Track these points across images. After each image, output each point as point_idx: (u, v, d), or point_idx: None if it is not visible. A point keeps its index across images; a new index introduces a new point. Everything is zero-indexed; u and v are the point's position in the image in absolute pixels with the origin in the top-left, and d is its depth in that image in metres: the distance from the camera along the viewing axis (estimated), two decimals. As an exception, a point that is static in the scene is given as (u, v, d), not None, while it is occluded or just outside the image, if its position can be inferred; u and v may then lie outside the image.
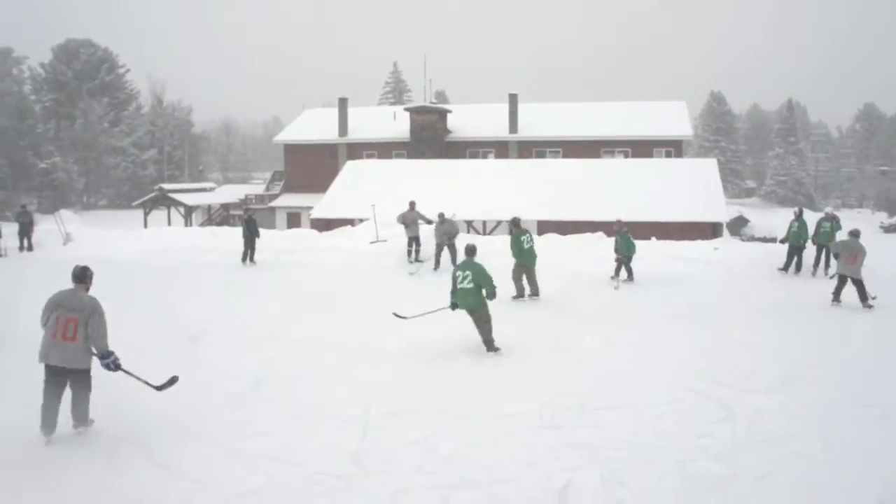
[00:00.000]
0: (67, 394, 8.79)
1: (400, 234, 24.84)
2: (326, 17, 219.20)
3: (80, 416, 8.90)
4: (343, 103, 56.45)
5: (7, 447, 8.42)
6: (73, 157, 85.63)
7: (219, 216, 59.62)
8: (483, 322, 12.66)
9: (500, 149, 52.39)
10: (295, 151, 57.46)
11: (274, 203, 55.07)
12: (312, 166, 54.03)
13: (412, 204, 24.47)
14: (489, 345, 12.63)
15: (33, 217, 31.38)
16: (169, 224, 53.43)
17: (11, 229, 29.87)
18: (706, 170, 37.12)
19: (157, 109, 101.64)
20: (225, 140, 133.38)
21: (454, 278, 12.91)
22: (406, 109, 55.82)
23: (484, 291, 12.61)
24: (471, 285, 12.59)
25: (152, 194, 60.16)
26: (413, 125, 53.03)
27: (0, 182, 73.11)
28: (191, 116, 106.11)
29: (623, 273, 20.52)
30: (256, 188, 67.21)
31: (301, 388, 10.76)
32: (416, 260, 23.90)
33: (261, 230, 25.20)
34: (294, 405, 9.97)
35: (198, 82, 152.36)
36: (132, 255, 25.67)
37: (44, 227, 31.33)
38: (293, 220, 50.50)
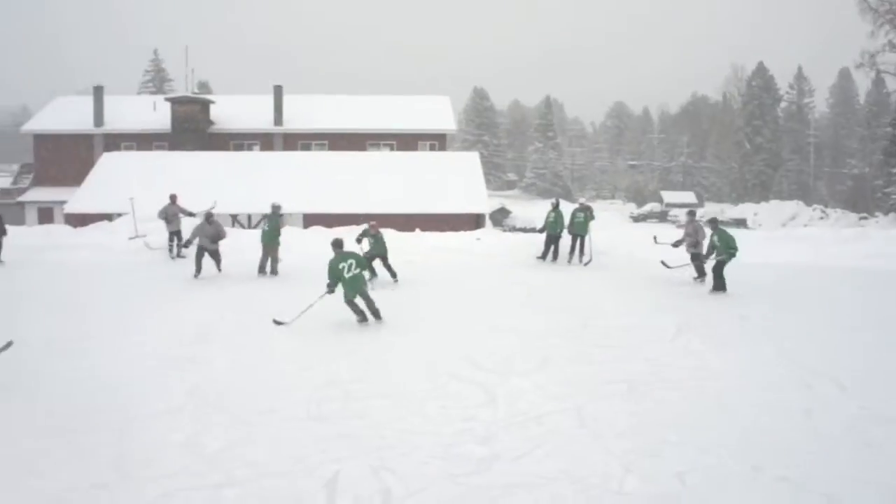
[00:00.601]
0: None
1: (161, 230, 24.09)
2: (80, 4, 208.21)
3: None
4: (99, 91, 53.75)
5: None
6: None
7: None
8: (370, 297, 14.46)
9: (266, 141, 51.73)
10: (46, 142, 54.15)
11: (22, 197, 51.77)
12: (66, 158, 51.18)
13: (173, 197, 23.81)
14: (377, 313, 14.42)
15: None
16: None
17: None
18: (469, 163, 38.31)
19: None
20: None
21: (336, 270, 14.17)
22: (167, 99, 53.94)
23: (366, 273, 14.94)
24: (358, 271, 14.28)
25: None
26: (175, 116, 51.34)
27: None
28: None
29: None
30: (2, 181, 63.01)
31: (38, 397, 10.22)
32: (179, 255, 23.31)
33: (7, 227, 23.63)
34: (35, 415, 9.45)
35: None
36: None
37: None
38: (45, 215, 47.67)
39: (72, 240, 25.50)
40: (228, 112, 53.18)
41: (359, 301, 14.44)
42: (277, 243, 20.76)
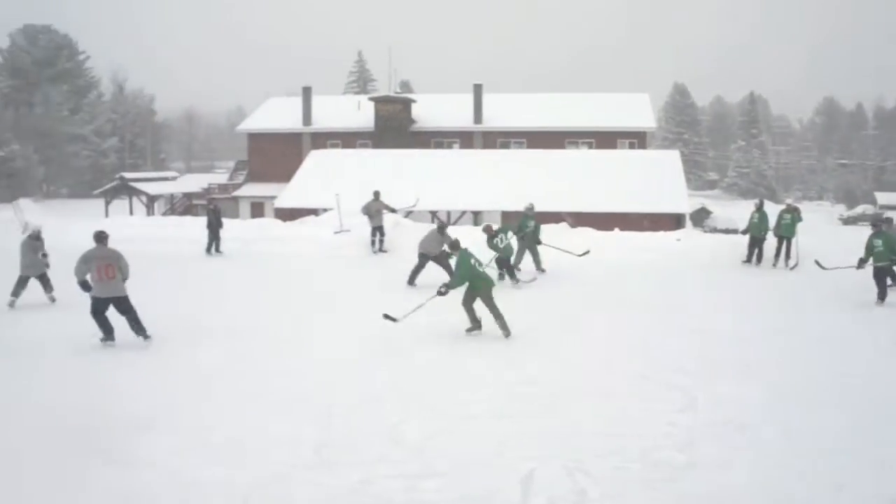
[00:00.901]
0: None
1: (364, 224, 24.73)
2: (291, 6, 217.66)
3: (138, 329, 12.38)
4: (307, 92, 56.18)
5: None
6: (32, 145, 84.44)
7: (182, 205, 59.16)
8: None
9: (465, 139, 52.46)
10: (258, 140, 57.09)
11: (237, 193, 54.73)
12: (276, 156, 53.68)
13: (376, 194, 24.38)
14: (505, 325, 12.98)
15: (-10, 205, 31.10)
16: (131, 213, 52.97)
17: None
18: (669, 161, 37.44)
19: (118, 97, 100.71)
20: (188, 129, 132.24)
21: (469, 264, 12.91)
22: (371, 99, 55.72)
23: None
24: (483, 270, 13.22)
25: (114, 183, 59.52)
26: (378, 115, 52.93)
27: (-44, 170, 71.92)
28: (153, 104, 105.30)
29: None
30: (220, 177, 66.74)
31: (266, 378, 10.72)
32: (381, 250, 23.88)
33: (224, 220, 24.97)
34: (259, 396, 9.91)
35: (160, 70, 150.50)
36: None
37: (1, 215, 30.99)
38: (257, 209, 50.20)
39: (281, 233, 26.61)
40: (429, 111, 54.23)
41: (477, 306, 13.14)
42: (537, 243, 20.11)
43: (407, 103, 54.09)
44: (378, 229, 24.10)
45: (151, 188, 57.73)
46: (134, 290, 12.56)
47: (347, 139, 53.15)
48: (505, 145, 51.02)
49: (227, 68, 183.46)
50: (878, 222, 17.38)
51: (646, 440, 8.36)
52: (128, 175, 61.71)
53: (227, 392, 10.14)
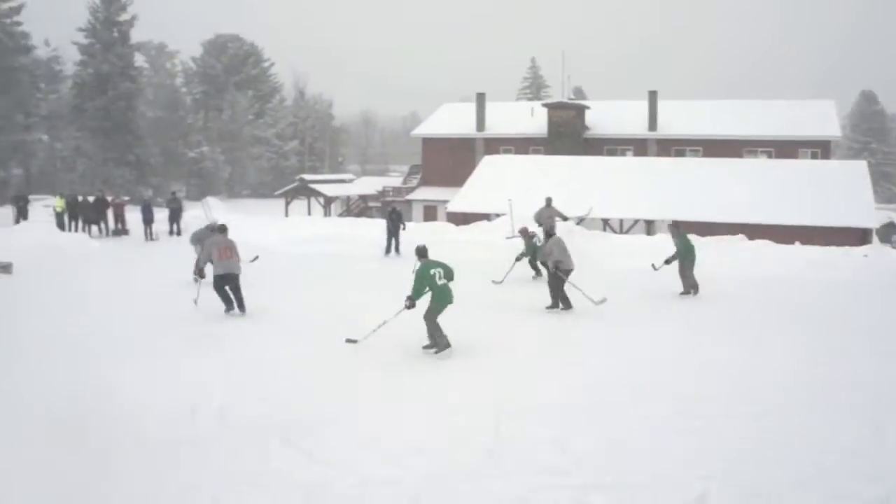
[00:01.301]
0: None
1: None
2: (464, 13, 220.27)
3: (241, 304, 15.41)
4: (481, 98, 56.82)
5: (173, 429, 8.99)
6: (219, 147, 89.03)
7: (357, 207, 60.91)
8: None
9: (639, 146, 51.81)
10: (432, 145, 58.14)
11: (411, 196, 55.89)
12: (449, 160, 54.53)
13: (548, 200, 24.50)
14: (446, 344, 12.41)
15: (182, 203, 33.03)
16: (309, 214, 54.97)
17: (163, 214, 31.51)
18: (855, 172, 35.79)
19: (299, 102, 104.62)
20: (364, 133, 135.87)
21: (428, 276, 12.46)
22: (544, 105, 55.75)
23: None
24: (445, 282, 12.59)
25: (293, 184, 61.84)
26: (551, 121, 52.94)
27: (153, 169, 76.57)
28: (331, 109, 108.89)
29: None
30: (394, 181, 68.36)
31: (436, 380, 10.99)
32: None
33: (405, 223, 25.75)
34: (429, 396, 10.19)
35: (339, 76, 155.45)
36: (274, 242, 26.45)
37: (191, 212, 32.86)
38: (429, 213, 51.16)
39: (454, 236, 27.10)
40: (603, 117, 53.80)
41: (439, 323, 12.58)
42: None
43: (580, 109, 53.88)
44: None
45: (329, 190, 59.66)
46: (316, 289, 13.12)
47: (520, 145, 53.41)
48: (680, 153, 50.05)
49: (402, 74, 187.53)
50: None
51: (825, 467, 7.99)
52: (307, 177, 64.00)
53: (404, 391, 10.47)
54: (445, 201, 43.33)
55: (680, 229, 18.66)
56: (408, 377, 11.13)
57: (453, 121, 58.36)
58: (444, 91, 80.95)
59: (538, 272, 20.05)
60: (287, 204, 59.33)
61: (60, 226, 30.72)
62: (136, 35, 78.52)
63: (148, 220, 30.38)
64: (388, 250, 25.07)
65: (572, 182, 34.39)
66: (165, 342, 13.26)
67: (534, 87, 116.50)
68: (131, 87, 74.34)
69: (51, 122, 78.28)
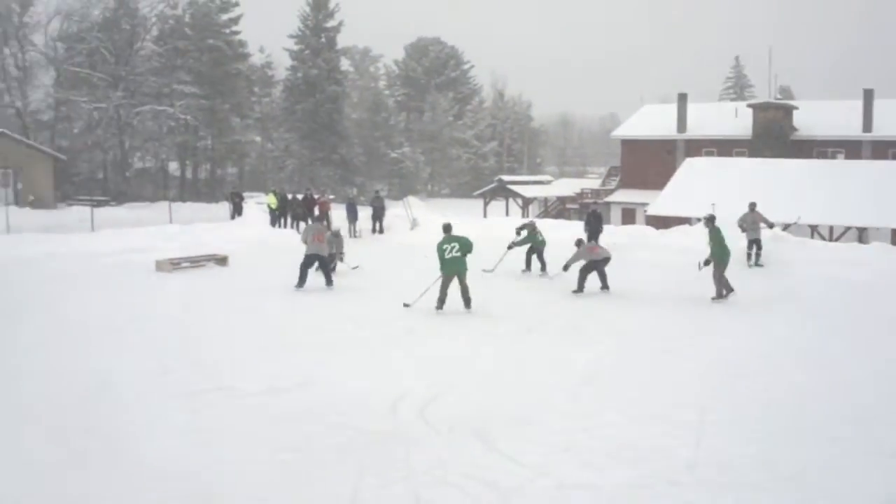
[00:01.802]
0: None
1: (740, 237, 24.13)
2: (665, 12, 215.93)
3: (328, 281, 19.02)
4: (682, 98, 55.61)
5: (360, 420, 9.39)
6: (420, 148, 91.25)
7: (555, 209, 60.87)
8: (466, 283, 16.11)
9: (852, 149, 49.13)
10: (631, 147, 57.42)
11: (609, 198, 55.39)
12: (649, 162, 53.71)
13: (752, 205, 23.73)
14: (469, 302, 16.01)
15: (385, 202, 34.10)
16: (507, 214, 55.32)
17: (366, 213, 32.66)
18: None
19: (498, 104, 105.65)
20: (562, 134, 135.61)
21: (440, 250, 16.01)
22: (749, 105, 53.93)
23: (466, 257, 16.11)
24: (458, 254, 15.95)
25: (492, 185, 62.41)
26: (756, 122, 51.16)
27: (357, 169, 79.32)
28: (530, 110, 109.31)
29: None
30: (592, 182, 67.87)
31: (631, 386, 10.83)
32: (756, 264, 23.16)
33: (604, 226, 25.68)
34: (624, 402, 10.06)
35: (537, 77, 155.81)
36: (476, 241, 26.73)
37: (393, 211, 33.86)
38: (628, 215, 50.54)
39: (653, 241, 26.68)
40: (812, 117, 51.48)
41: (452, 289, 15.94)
42: None
43: (788, 110, 51.81)
44: (755, 242, 23.40)
45: (527, 191, 59.87)
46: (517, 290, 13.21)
47: (723, 147, 51.89)
48: (898, 156, 47.24)
49: (601, 75, 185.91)
50: None
51: None
52: (505, 178, 64.48)
53: (602, 395, 10.38)
54: (645, 204, 42.72)
55: (714, 225, 17.94)
56: (606, 381, 11.06)
57: (654, 122, 57.44)
58: (645, 92, 79.83)
59: (529, 266, 21.92)
60: (485, 204, 59.97)
61: (272, 222, 32.40)
62: (342, 40, 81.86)
63: (352, 218, 31.62)
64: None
65: (778, 186, 33.15)
66: (366, 335, 13.81)
67: (737, 87, 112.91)
68: (337, 90, 77.40)
69: (263, 124, 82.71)
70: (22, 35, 66.36)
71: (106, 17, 67.11)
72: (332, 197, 39.63)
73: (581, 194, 59.40)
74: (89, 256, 23.26)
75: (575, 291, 18.34)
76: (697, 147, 52.59)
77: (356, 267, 21.65)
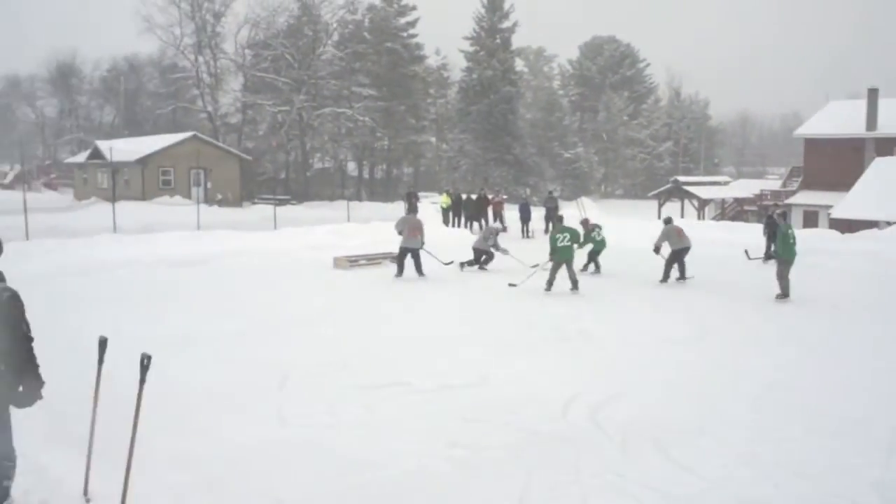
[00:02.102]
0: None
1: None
2: (850, 7, 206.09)
3: (419, 270, 20.34)
4: (873, 94, 52.78)
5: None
6: (594, 148, 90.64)
7: (732, 210, 59.19)
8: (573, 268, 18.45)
9: None
10: (815, 146, 54.99)
11: (790, 200, 53.30)
12: (834, 162, 51.30)
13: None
14: (576, 284, 18.21)
15: (558, 202, 34.05)
16: (682, 216, 54.12)
17: (539, 213, 32.72)
18: None
19: (674, 102, 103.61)
20: (741, 133, 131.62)
21: (554, 239, 18.25)
22: (948, 101, 50.81)
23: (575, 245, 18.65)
24: (569, 243, 18.20)
25: (667, 186, 61.30)
26: (955, 119, 48.20)
27: (530, 169, 79.50)
28: (707, 109, 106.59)
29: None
30: (772, 183, 65.61)
31: (815, 399, 10.41)
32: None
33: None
34: (807, 416, 9.67)
35: (716, 75, 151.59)
36: (645, 243, 26.44)
37: (567, 212, 33.75)
38: (810, 219, 48.45)
39: (838, 245, 25.52)
40: None
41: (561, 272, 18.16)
42: None
43: None
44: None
45: (703, 192, 58.46)
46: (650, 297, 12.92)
47: (918, 146, 49.06)
48: None
49: (783, 72, 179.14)
50: None
51: None
52: (681, 178, 63.15)
53: (784, 404, 10.09)
54: (828, 206, 40.94)
55: (787, 220, 17.68)
56: (788, 392, 10.71)
57: (840, 119, 54.75)
58: (830, 88, 76.32)
59: (589, 265, 21.92)
60: (660, 206, 58.92)
61: (445, 221, 32.92)
62: (517, 41, 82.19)
63: (525, 218, 31.74)
64: (766, 256, 24.12)
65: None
66: (536, 337, 13.87)
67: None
68: (512, 90, 77.77)
69: (438, 125, 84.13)
70: (214, 44, 70.25)
71: (290, 24, 70.06)
72: (505, 197, 39.91)
73: (760, 196, 57.45)
74: (273, 254, 24.31)
75: (661, 280, 19.88)
76: (889, 145, 49.71)
77: (450, 262, 22.49)
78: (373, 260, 23.16)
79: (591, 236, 21.60)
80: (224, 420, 9.26)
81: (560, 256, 18.06)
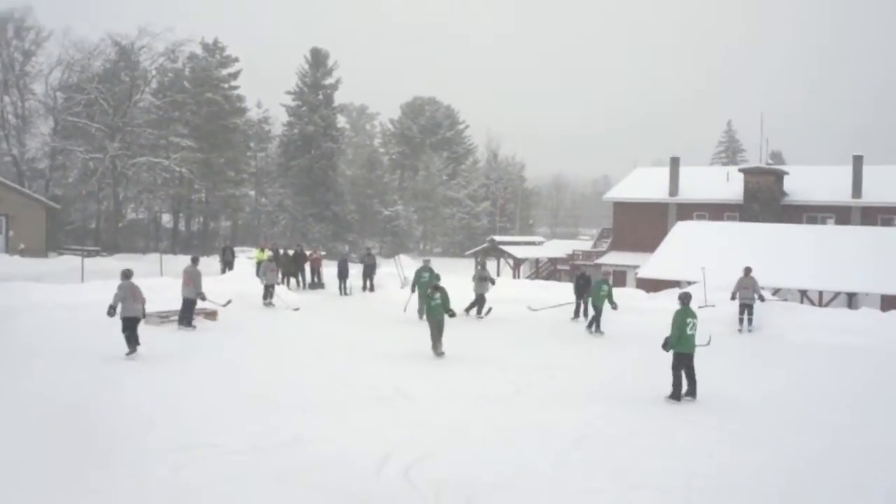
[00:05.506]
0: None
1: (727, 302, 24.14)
2: (658, 77, 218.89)
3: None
4: (674, 163, 56.10)
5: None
6: (413, 206, 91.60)
7: (546, 270, 60.97)
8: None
9: (841, 214, 49.51)
10: (624, 209, 57.71)
11: (600, 260, 55.48)
12: (640, 225, 53.95)
13: (747, 270, 23.78)
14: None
15: (376, 260, 34.08)
16: (498, 274, 55.33)
17: (357, 270, 32.63)
18: None
19: (492, 164, 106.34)
20: (555, 195, 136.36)
21: (685, 325, 14.00)
22: (740, 170, 54.43)
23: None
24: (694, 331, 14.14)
25: (484, 245, 62.66)
26: (747, 187, 51.63)
27: (350, 226, 79.55)
28: (523, 171, 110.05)
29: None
30: (583, 244, 68.11)
31: (623, 453, 10.80)
32: (748, 329, 23.18)
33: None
34: (612, 471, 10.01)
35: (531, 139, 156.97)
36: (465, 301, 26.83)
37: (385, 269, 33.84)
38: (619, 278, 50.46)
39: (643, 304, 26.61)
40: (802, 183, 51.97)
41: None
42: None
43: (779, 175, 52.28)
44: (746, 307, 23.40)
45: (518, 251, 60.06)
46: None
47: (714, 211, 52.21)
48: (887, 222, 47.43)
49: (595, 139, 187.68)
50: None
51: None
52: (497, 238, 64.71)
53: (595, 461, 10.36)
54: (636, 266, 42.76)
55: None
56: (603, 450, 11.00)
57: (646, 185, 57.80)
58: (638, 155, 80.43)
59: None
60: (477, 264, 59.98)
61: (257, 274, 32.27)
62: (340, 98, 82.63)
63: (343, 274, 31.55)
64: (576, 314, 25.05)
65: (769, 250, 33.21)
66: (351, 394, 13.75)
67: (729, 151, 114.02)
68: (333, 146, 77.99)
69: (258, 179, 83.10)
70: (23, 84, 66.98)
71: (106, 69, 67.71)
72: (323, 253, 39.66)
73: (573, 256, 59.53)
74: (79, 307, 23.02)
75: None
76: (689, 210, 52.91)
77: (297, 309, 24.28)
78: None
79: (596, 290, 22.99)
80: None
81: (684, 347, 13.98)
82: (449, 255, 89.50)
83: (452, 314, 18.59)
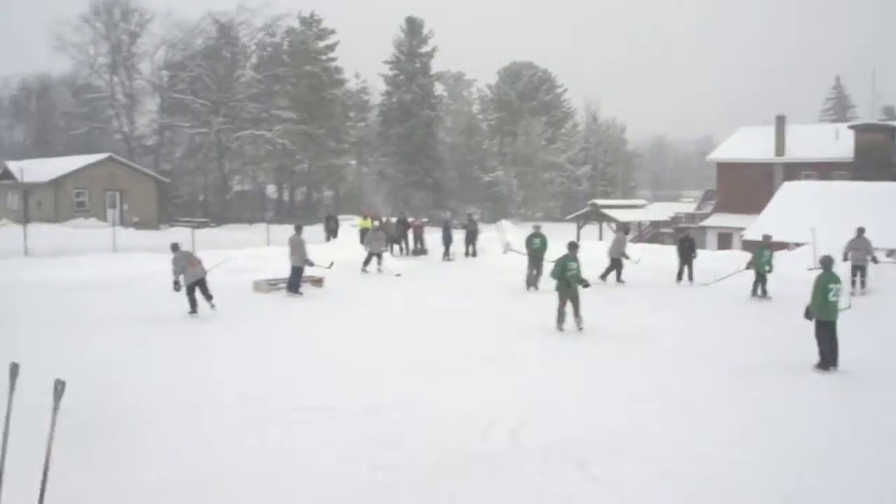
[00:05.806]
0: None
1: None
2: (762, 34, 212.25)
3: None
4: (780, 121, 54.53)
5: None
6: (513, 172, 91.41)
7: (649, 233, 60.22)
8: None
9: (961, 171, 47.48)
10: (728, 170, 56.43)
11: (705, 222, 54.48)
12: (746, 186, 52.65)
13: (860, 230, 23.03)
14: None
15: (478, 226, 34.18)
16: (600, 239, 54.88)
17: (459, 236, 32.79)
18: None
19: (591, 127, 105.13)
20: (657, 157, 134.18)
21: (829, 290, 13.03)
22: (850, 127, 52.53)
23: None
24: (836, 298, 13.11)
25: (585, 209, 62.21)
26: (858, 144, 49.80)
27: (450, 192, 79.90)
28: (624, 134, 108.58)
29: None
30: (687, 206, 66.97)
31: (735, 413, 10.69)
32: (861, 292, 22.47)
33: (698, 250, 25.41)
34: (720, 434, 9.92)
35: (633, 101, 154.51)
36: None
37: (486, 235, 33.93)
38: (724, 240, 49.59)
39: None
40: (918, 140, 49.92)
41: None
42: None
43: (891, 131, 50.31)
44: (859, 269, 22.64)
45: (620, 215, 59.41)
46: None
47: (823, 170, 50.53)
48: None
49: (697, 98, 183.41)
50: None
51: None
52: (599, 202, 64.17)
53: (698, 421, 10.30)
54: (741, 228, 41.94)
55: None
56: (715, 414, 10.87)
57: (751, 145, 56.29)
58: (742, 114, 78.47)
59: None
60: (579, 228, 59.66)
61: (361, 241, 32.74)
62: (436, 66, 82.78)
63: (448, 240, 31.80)
64: (679, 277, 24.69)
65: (881, 210, 32.13)
66: (459, 358, 13.91)
67: (838, 108, 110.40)
68: (431, 114, 78.27)
69: (358, 148, 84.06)
70: (130, 64, 69.19)
71: (208, 46, 69.39)
72: (425, 220, 40.04)
73: (675, 218, 58.61)
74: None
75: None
76: (796, 170, 51.38)
77: (399, 275, 25.05)
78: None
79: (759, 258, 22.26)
80: (144, 448, 9.09)
81: (828, 315, 13.08)
82: (550, 220, 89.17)
83: (587, 284, 17.16)
